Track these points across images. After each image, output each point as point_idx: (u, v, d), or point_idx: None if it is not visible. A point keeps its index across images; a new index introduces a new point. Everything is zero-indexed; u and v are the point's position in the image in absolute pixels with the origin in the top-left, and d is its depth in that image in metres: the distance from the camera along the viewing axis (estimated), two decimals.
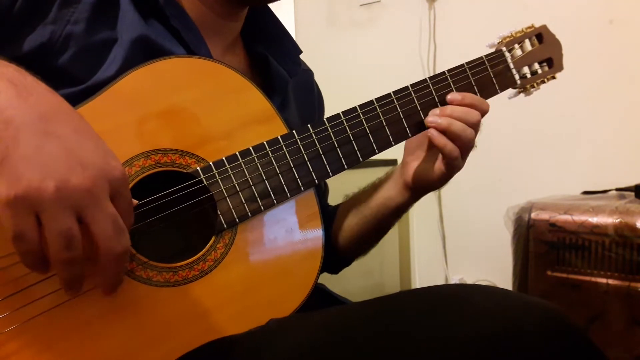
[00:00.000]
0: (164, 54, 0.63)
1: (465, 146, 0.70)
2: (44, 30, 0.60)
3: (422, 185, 0.76)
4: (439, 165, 0.72)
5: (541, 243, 1.20)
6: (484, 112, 0.72)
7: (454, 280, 1.81)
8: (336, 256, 0.86)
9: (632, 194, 1.24)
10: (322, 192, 0.90)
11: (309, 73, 0.90)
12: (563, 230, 1.17)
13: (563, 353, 0.48)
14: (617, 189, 1.36)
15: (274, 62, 0.77)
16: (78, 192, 0.44)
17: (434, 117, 0.70)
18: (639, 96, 1.50)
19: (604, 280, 1.12)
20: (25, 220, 0.43)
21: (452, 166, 0.71)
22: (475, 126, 0.71)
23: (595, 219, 1.14)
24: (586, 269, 1.14)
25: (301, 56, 0.85)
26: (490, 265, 1.72)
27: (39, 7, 0.60)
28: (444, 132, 0.69)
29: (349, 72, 1.94)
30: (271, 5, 0.79)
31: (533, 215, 1.22)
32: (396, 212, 0.80)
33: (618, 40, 1.52)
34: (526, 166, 1.65)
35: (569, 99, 1.54)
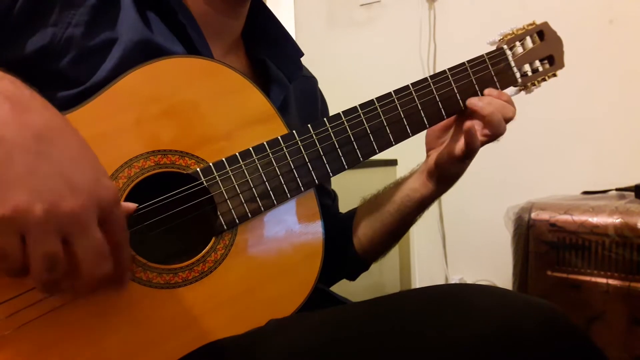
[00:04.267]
0: (163, 53, 0.62)
1: (495, 137, 0.73)
2: (45, 32, 0.59)
3: (444, 174, 0.77)
4: (459, 150, 0.74)
5: (541, 243, 1.20)
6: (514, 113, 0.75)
7: (454, 280, 1.81)
8: (356, 260, 0.85)
9: (632, 194, 1.24)
10: (332, 200, 0.90)
11: (312, 80, 0.90)
12: (563, 230, 1.17)
13: (563, 353, 0.48)
14: (617, 189, 1.36)
15: (273, 67, 0.77)
16: (65, 218, 0.44)
17: (475, 100, 0.73)
18: (639, 96, 1.50)
19: (604, 280, 1.12)
20: (9, 241, 0.43)
21: (473, 152, 0.73)
22: (509, 121, 0.74)
23: (595, 219, 1.14)
24: (586, 269, 1.14)
25: (301, 57, 0.85)
26: (490, 265, 1.72)
27: (40, 9, 0.60)
28: (483, 117, 0.72)
29: (349, 72, 1.94)
30: (271, 6, 0.78)
31: (533, 215, 1.21)
32: (420, 205, 0.80)
33: (618, 40, 1.52)
34: (526, 166, 1.65)
35: (569, 98, 1.54)
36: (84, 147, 0.48)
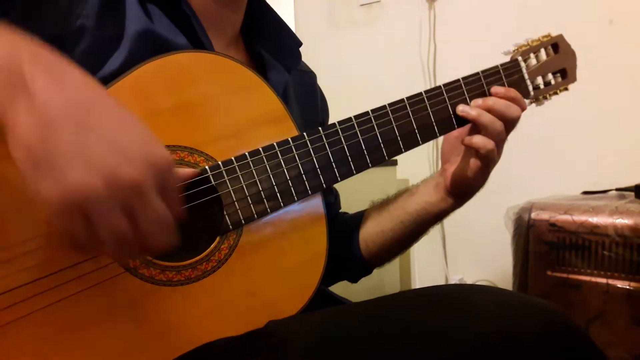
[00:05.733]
0: (167, 45, 0.62)
1: (494, 138, 0.71)
2: (57, 20, 0.59)
3: (461, 188, 0.76)
4: (474, 162, 0.73)
5: (541, 243, 1.20)
6: (523, 109, 0.74)
7: (454, 280, 1.81)
8: (360, 263, 0.85)
9: (632, 194, 1.24)
10: (333, 198, 0.90)
11: (311, 75, 0.90)
12: (563, 230, 1.17)
13: (563, 353, 0.48)
14: (617, 189, 1.36)
15: (271, 60, 0.77)
16: (126, 188, 0.42)
17: (464, 107, 0.72)
18: (639, 96, 1.50)
19: (604, 280, 1.12)
20: (74, 220, 0.42)
21: (487, 160, 0.72)
22: (513, 121, 0.72)
23: (595, 219, 1.14)
24: (586, 269, 1.14)
25: (300, 46, 0.85)
26: (490, 265, 1.72)
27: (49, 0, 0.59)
28: (474, 122, 0.71)
29: (349, 72, 1.94)
30: (270, 3, 0.79)
31: (533, 215, 1.22)
32: (436, 218, 0.80)
33: (618, 40, 1.52)
34: (526, 166, 1.65)
35: (568, 99, 1.53)
36: (129, 115, 0.46)
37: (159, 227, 0.44)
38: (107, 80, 0.58)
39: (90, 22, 0.60)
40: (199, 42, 0.67)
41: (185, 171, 0.54)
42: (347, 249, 0.84)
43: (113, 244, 0.43)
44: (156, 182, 0.44)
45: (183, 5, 0.66)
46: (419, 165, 1.79)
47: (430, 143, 1.75)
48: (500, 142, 0.72)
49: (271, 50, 0.78)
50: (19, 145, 0.41)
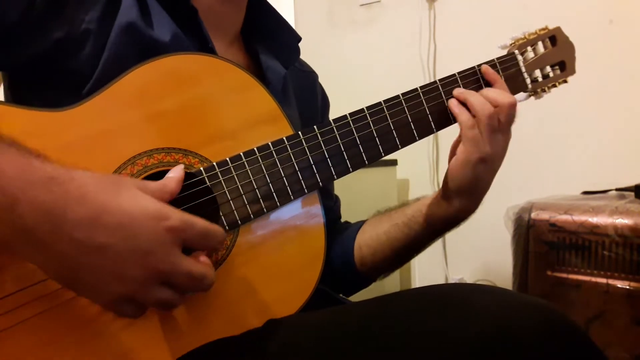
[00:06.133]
0: (151, 41, 0.62)
1: (483, 122, 0.67)
2: (62, 27, 0.59)
3: (446, 186, 0.72)
4: (460, 152, 0.69)
5: (541, 243, 1.20)
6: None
7: (454, 280, 1.81)
8: (353, 272, 0.83)
9: (632, 194, 1.24)
10: (332, 202, 0.89)
11: (312, 75, 0.89)
12: (563, 230, 1.17)
13: (563, 353, 0.48)
14: (617, 189, 1.36)
15: (268, 57, 0.76)
16: (155, 274, 0.48)
17: (460, 89, 0.71)
18: (639, 96, 1.50)
19: (604, 280, 1.12)
20: (126, 310, 0.49)
21: (470, 147, 0.68)
22: (505, 107, 0.68)
23: (595, 219, 1.14)
24: (586, 269, 1.14)
25: (301, 56, 0.85)
26: (490, 265, 1.72)
27: (55, 7, 0.59)
28: (465, 101, 0.69)
29: (349, 72, 1.94)
30: (270, 3, 0.79)
31: (533, 215, 1.22)
32: (429, 223, 0.76)
33: (618, 40, 1.52)
34: (526, 166, 1.65)
35: (569, 99, 1.54)
36: (128, 197, 0.48)
37: (194, 280, 0.50)
38: (99, 81, 0.58)
39: (93, 26, 0.60)
40: (204, 39, 0.67)
41: (176, 176, 0.55)
42: (340, 254, 0.83)
43: (162, 308, 0.52)
44: (178, 245, 0.49)
45: (190, 1, 0.66)
46: (419, 165, 1.79)
47: (431, 143, 1.76)
48: (489, 126, 0.67)
49: (269, 45, 0.77)
50: (52, 277, 0.48)
